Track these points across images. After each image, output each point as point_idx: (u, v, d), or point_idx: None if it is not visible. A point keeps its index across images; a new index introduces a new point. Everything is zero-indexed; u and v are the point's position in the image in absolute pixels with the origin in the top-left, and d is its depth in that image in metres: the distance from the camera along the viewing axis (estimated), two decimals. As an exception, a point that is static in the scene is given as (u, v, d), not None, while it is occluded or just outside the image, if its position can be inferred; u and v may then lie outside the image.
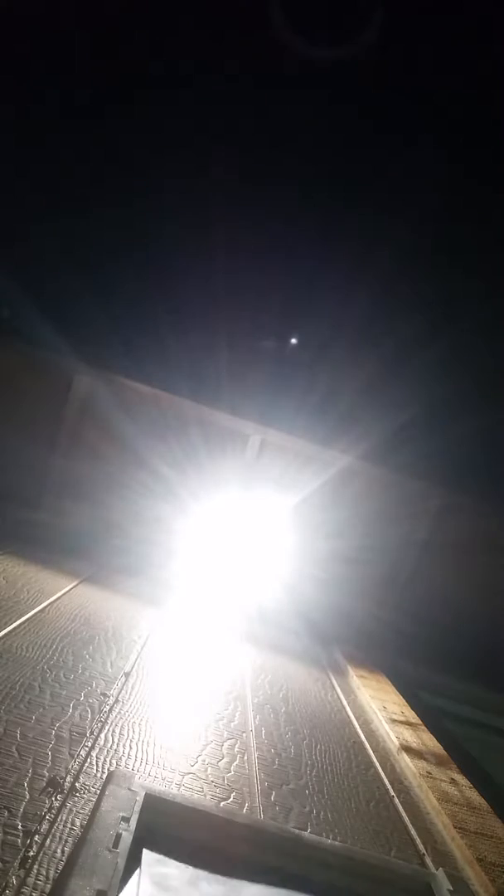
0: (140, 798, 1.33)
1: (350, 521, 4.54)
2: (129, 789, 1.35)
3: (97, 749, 1.64)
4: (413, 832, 1.78)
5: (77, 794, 1.40)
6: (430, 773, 2.15)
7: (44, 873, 1.12)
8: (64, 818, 1.30)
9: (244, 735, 2.08)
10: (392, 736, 2.45)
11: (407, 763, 2.23)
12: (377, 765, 2.21)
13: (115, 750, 1.67)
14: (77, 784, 1.44)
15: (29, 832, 1.22)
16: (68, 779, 1.45)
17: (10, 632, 2.23)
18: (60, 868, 1.14)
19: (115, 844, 1.14)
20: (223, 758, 1.85)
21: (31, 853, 1.16)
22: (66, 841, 1.23)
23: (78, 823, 1.29)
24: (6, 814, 1.25)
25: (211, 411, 4.43)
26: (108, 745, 1.68)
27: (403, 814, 1.88)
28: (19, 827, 1.23)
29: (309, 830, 1.60)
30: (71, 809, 1.34)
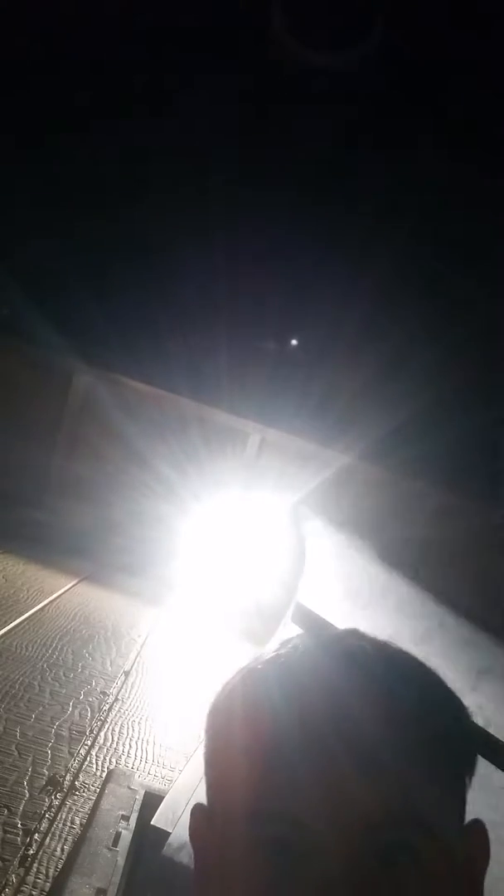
0: (140, 796, 1.33)
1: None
2: (129, 787, 1.35)
3: (97, 747, 1.64)
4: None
5: (77, 793, 1.40)
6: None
7: (43, 871, 1.13)
8: (64, 816, 1.30)
9: (243, 734, 2.08)
10: (391, 735, 2.44)
11: (406, 762, 2.23)
12: (376, 763, 2.21)
13: (115, 748, 1.67)
14: (77, 782, 1.44)
15: (29, 830, 1.22)
16: (68, 777, 1.46)
17: (9, 630, 2.23)
18: (60, 866, 1.14)
19: (115, 843, 1.15)
20: (222, 756, 1.86)
21: (31, 851, 1.17)
22: (65, 839, 1.23)
23: (78, 822, 1.30)
24: (6, 812, 1.26)
25: (211, 410, 4.42)
26: (108, 744, 1.68)
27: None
28: (19, 825, 1.23)
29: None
30: (71, 808, 1.34)
